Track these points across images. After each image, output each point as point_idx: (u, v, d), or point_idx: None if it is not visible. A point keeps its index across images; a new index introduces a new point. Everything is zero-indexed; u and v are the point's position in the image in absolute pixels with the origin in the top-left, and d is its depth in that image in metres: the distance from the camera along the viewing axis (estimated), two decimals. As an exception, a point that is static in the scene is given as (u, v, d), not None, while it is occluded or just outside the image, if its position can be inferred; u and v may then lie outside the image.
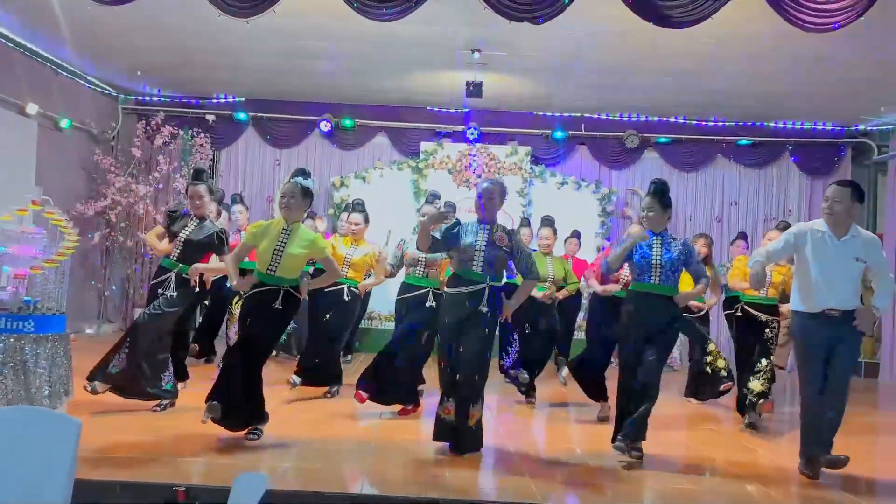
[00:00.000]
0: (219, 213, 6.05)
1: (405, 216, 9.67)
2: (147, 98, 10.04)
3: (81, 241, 5.52)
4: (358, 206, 6.16)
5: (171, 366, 5.11)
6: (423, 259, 5.44)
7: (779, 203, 10.30)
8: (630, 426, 4.28)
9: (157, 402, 5.02)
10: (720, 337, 8.95)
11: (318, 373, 6.04)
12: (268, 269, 4.32)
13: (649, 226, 4.52)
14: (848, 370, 4.22)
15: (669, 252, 4.42)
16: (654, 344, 4.36)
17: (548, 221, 6.62)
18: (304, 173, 4.48)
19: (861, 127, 9.82)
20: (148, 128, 9.69)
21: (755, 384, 5.59)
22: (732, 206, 10.35)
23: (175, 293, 4.98)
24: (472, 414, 4.30)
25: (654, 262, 4.40)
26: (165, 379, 5.03)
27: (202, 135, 9.79)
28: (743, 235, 7.01)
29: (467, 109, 9.97)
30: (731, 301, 6.04)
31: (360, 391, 5.18)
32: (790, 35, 6.39)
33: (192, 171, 6.01)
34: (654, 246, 4.45)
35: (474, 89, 8.19)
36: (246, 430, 4.37)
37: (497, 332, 4.56)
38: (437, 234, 4.41)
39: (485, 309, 4.26)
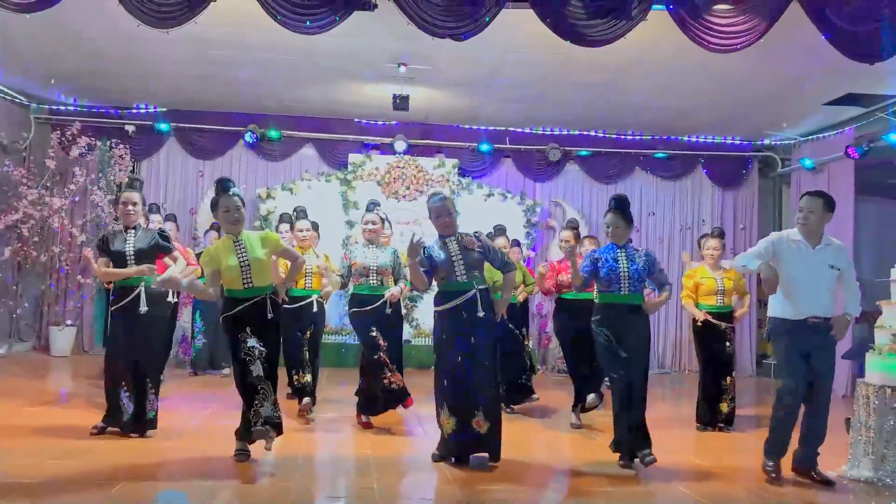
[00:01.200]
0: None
1: (334, 228, 9.67)
2: (62, 107, 9.68)
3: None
4: (302, 213, 6.14)
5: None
6: (374, 267, 5.47)
7: (693, 213, 10.79)
8: (637, 438, 4.49)
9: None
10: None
11: (313, 390, 5.97)
12: (244, 283, 4.28)
13: (614, 240, 4.71)
14: (830, 378, 4.45)
15: (635, 263, 4.63)
16: (630, 350, 4.52)
17: (501, 230, 6.89)
18: (231, 182, 4.44)
19: (766, 141, 10.42)
20: (63, 138, 9.33)
21: (724, 405, 5.86)
22: (650, 216, 10.78)
23: (147, 308, 4.83)
24: (500, 420, 4.47)
25: (622, 273, 4.60)
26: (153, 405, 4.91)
27: (121, 146, 9.50)
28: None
29: (395, 122, 10.05)
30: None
31: (363, 419, 5.40)
32: (699, 54, 6.77)
33: (126, 179, 5.82)
34: (619, 259, 4.64)
35: (401, 102, 8.28)
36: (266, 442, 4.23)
37: None
38: (424, 268, 4.52)
39: (482, 314, 4.39)
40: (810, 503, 4.11)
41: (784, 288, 4.45)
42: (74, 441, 4.66)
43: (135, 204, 4.96)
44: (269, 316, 4.27)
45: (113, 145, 9.47)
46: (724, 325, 5.93)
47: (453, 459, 4.47)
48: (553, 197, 10.63)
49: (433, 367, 4.61)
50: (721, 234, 6.23)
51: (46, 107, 9.66)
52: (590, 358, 5.27)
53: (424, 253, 4.52)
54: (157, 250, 4.98)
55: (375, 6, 5.55)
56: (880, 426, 4.53)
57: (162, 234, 5.01)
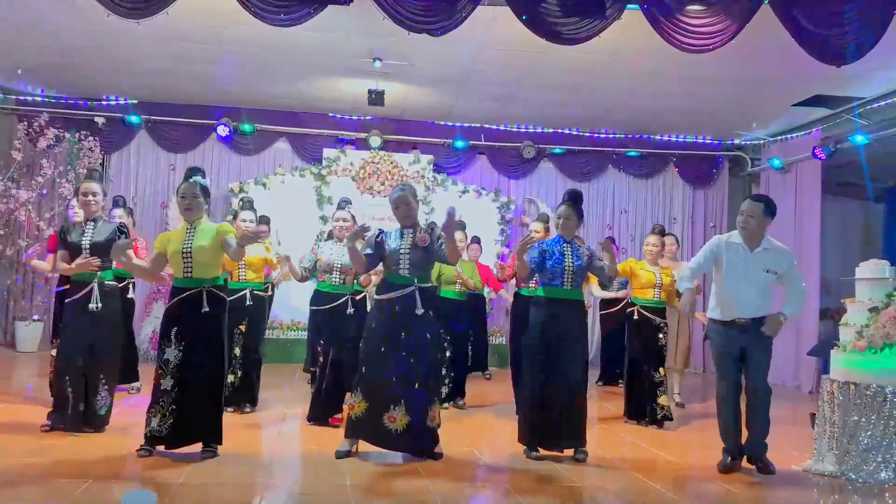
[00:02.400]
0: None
1: (308, 223, 9.62)
2: (28, 98, 9.47)
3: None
4: (247, 204, 6.04)
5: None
6: (339, 265, 5.39)
7: (664, 211, 10.91)
8: (574, 437, 4.55)
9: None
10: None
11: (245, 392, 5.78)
12: (184, 272, 4.21)
13: (564, 233, 4.74)
14: (761, 374, 4.53)
15: (579, 259, 4.69)
16: (570, 345, 4.57)
17: (461, 226, 6.86)
18: (198, 171, 4.38)
19: (736, 141, 10.58)
20: (30, 129, 9.14)
21: (664, 399, 5.89)
22: (622, 214, 10.88)
23: (101, 304, 4.75)
24: (433, 415, 4.44)
25: (566, 267, 4.63)
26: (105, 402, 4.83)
27: (91, 138, 9.33)
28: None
29: (370, 117, 10.02)
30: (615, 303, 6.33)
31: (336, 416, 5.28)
32: (672, 56, 6.85)
33: (84, 172, 5.73)
34: (565, 253, 4.68)
35: (376, 97, 8.26)
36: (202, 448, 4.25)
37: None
38: (370, 250, 4.51)
39: (420, 311, 4.37)
40: (769, 498, 4.19)
41: (718, 289, 4.57)
42: (38, 439, 4.58)
43: (94, 194, 4.85)
44: (205, 310, 4.16)
45: (82, 137, 9.31)
46: (658, 319, 6.00)
47: (354, 449, 4.43)
48: (527, 194, 10.68)
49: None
50: (661, 232, 6.31)
51: (13, 97, 9.45)
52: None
53: (377, 238, 4.53)
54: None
55: (351, 0, 5.52)
56: (844, 422, 4.64)
57: (121, 228, 4.90)
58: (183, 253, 4.21)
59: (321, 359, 5.32)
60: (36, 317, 9.21)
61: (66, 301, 4.87)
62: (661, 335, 5.97)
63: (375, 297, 4.53)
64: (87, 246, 4.80)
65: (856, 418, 4.60)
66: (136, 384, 6.38)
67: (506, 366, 7.62)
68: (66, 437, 4.64)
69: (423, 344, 4.42)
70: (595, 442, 4.87)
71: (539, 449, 4.61)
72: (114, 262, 4.72)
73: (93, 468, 3.95)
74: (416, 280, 4.45)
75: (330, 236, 5.75)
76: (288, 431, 5.31)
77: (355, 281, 5.50)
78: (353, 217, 5.67)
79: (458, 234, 6.68)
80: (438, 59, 7.71)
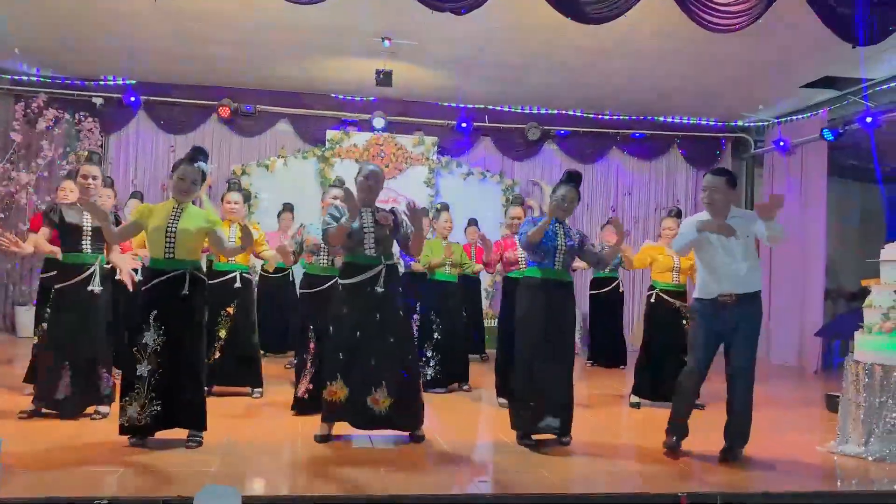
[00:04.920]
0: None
1: (311, 206, 9.49)
2: (25, 78, 9.25)
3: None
4: (234, 185, 5.91)
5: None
6: (326, 246, 5.23)
7: (668, 192, 10.91)
8: (564, 421, 4.46)
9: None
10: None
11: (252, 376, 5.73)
12: (166, 252, 4.07)
13: (563, 215, 4.62)
14: (750, 350, 4.37)
15: (571, 240, 4.61)
16: (562, 328, 4.51)
17: (445, 206, 6.93)
18: (203, 154, 4.24)
19: (739, 123, 10.58)
20: (28, 111, 8.93)
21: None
22: (626, 196, 10.86)
23: (101, 288, 4.67)
24: (416, 393, 4.40)
25: (558, 247, 4.54)
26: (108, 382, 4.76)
27: (90, 119, 9.14)
28: None
29: (373, 98, 9.88)
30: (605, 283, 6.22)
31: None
32: (679, 37, 6.80)
33: (85, 154, 5.58)
34: (558, 233, 4.58)
35: (384, 78, 8.14)
36: (187, 436, 4.14)
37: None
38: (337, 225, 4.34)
39: (382, 289, 4.31)
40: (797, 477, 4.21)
41: (701, 269, 4.46)
42: (59, 425, 4.50)
43: (95, 178, 4.77)
44: (184, 292, 4.04)
45: (81, 118, 9.11)
46: (678, 303, 5.95)
47: (328, 432, 4.35)
48: (531, 176, 10.62)
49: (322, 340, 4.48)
50: (678, 214, 6.27)
51: (8, 77, 9.22)
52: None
53: (337, 212, 4.43)
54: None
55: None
56: (870, 403, 4.66)
57: (116, 216, 4.85)
58: (167, 231, 4.06)
59: (311, 344, 5.17)
60: (35, 301, 9.04)
61: (58, 286, 4.70)
62: (682, 320, 5.94)
63: (342, 281, 4.40)
64: (89, 228, 4.71)
65: (882, 399, 4.62)
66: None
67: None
68: (74, 422, 4.57)
69: (396, 321, 4.35)
70: (608, 423, 4.83)
71: (531, 436, 4.51)
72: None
73: (101, 450, 3.92)
74: (382, 258, 4.37)
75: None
76: (281, 418, 5.12)
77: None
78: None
79: (443, 215, 6.71)
80: (448, 40, 7.60)
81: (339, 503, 3.40)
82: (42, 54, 8.58)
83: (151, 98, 9.61)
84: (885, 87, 8.09)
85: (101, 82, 9.40)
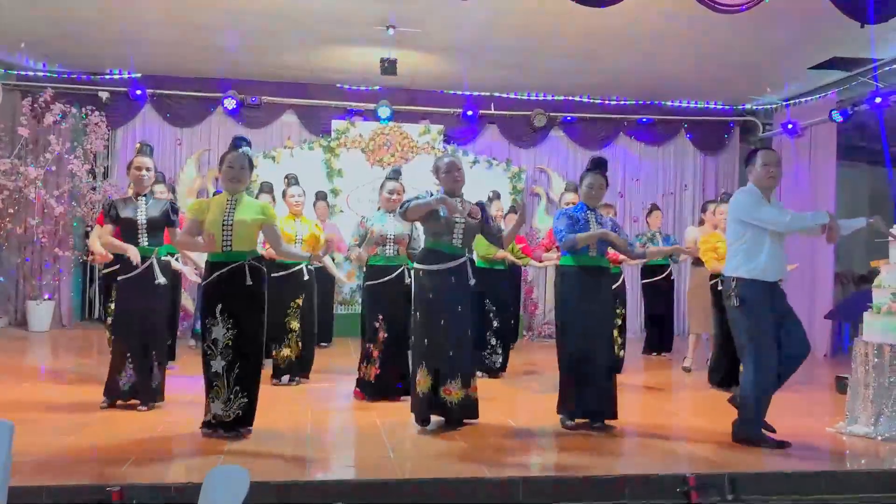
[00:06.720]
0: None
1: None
2: (31, 73, 9.28)
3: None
4: (294, 180, 6.04)
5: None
6: (392, 236, 5.29)
7: (676, 178, 10.86)
8: (610, 405, 4.51)
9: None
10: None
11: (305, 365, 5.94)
12: (223, 244, 4.05)
13: (592, 201, 4.65)
14: (804, 331, 4.45)
15: (604, 227, 4.61)
16: (601, 314, 4.54)
17: (496, 195, 7.06)
18: (245, 141, 4.20)
19: (748, 106, 10.50)
20: (35, 105, 8.97)
21: None
22: (634, 182, 10.82)
23: (164, 280, 4.73)
24: (475, 385, 4.46)
25: None
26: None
27: (96, 113, 9.17)
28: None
29: (378, 87, 9.87)
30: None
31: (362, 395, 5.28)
32: (686, 21, 6.73)
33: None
34: (590, 221, 4.61)
35: (389, 66, 8.12)
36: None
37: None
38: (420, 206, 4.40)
39: (472, 281, 4.45)
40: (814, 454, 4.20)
41: (756, 248, 4.30)
42: (75, 416, 4.55)
43: (148, 169, 4.79)
44: (248, 283, 4.00)
45: (88, 112, 9.15)
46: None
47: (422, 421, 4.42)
48: (538, 163, 10.59)
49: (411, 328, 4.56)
50: (728, 200, 6.21)
51: (14, 72, 9.25)
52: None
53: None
54: (166, 221, 4.81)
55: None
56: (879, 383, 4.65)
57: (174, 204, 4.87)
58: (224, 224, 4.05)
59: (381, 334, 5.22)
60: (47, 296, 9.13)
61: (121, 278, 4.77)
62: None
63: (426, 267, 4.41)
64: (144, 222, 4.75)
65: (891, 379, 4.60)
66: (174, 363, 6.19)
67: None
68: (113, 413, 4.66)
69: (469, 314, 4.45)
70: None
71: (576, 420, 4.58)
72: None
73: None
74: (466, 251, 4.49)
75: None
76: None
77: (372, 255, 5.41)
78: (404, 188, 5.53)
79: (494, 204, 6.73)
80: (453, 26, 7.57)
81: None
82: (48, 48, 8.60)
83: (157, 91, 9.63)
84: (894, 66, 8.01)
85: (108, 76, 9.41)
